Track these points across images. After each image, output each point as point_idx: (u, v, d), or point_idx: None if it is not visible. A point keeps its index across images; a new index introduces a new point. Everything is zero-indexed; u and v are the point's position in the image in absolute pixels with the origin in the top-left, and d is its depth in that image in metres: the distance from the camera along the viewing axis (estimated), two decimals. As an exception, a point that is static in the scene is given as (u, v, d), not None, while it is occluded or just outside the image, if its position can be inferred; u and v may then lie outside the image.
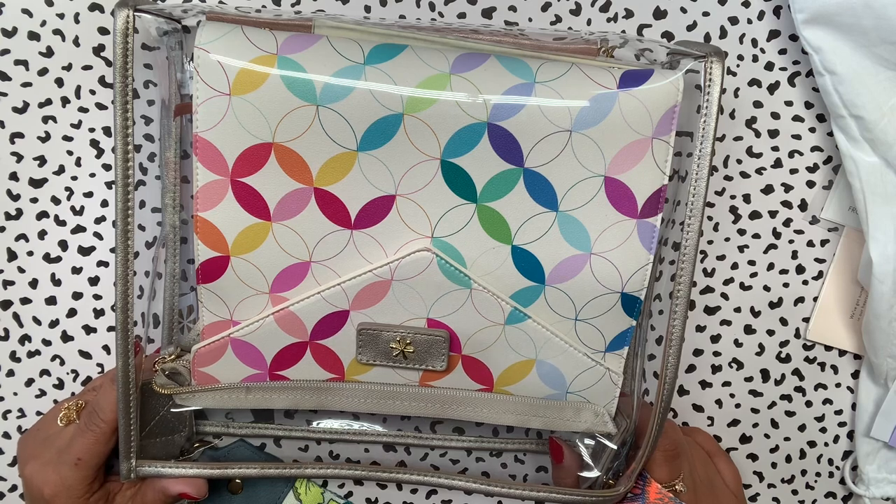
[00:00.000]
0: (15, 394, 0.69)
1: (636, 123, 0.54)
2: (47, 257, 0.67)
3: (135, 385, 0.60)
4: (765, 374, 0.72)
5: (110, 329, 0.69)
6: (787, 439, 0.73)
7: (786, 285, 0.70)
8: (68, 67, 0.64)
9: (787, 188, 0.68)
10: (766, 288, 0.70)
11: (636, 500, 0.63)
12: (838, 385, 0.72)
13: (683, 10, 0.65)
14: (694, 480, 0.65)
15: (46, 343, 0.69)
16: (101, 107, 0.65)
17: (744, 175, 0.68)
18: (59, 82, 0.65)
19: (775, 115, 0.67)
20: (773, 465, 0.74)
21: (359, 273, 0.58)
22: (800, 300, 0.70)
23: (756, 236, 0.69)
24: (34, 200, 0.66)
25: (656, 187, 0.56)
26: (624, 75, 0.54)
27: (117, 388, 0.59)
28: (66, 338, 0.69)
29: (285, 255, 0.58)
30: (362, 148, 0.55)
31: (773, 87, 0.66)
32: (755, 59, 0.66)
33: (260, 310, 0.60)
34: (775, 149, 0.67)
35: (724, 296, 0.70)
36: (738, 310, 0.70)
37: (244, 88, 0.53)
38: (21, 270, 0.67)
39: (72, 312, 0.68)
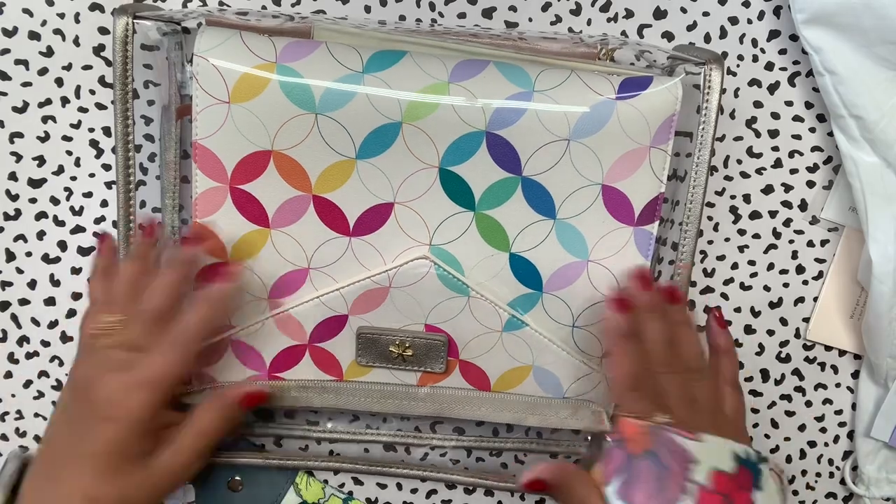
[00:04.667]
0: (13, 395, 0.69)
1: (634, 132, 0.54)
2: (46, 258, 0.67)
3: None
4: (765, 374, 0.72)
5: (111, 329, 0.69)
6: (787, 439, 0.73)
7: (786, 285, 0.70)
8: (68, 67, 0.64)
9: (787, 188, 0.68)
10: (766, 288, 0.70)
11: (619, 445, 0.53)
12: (838, 385, 0.72)
13: (683, 10, 0.65)
14: (688, 406, 0.56)
15: (45, 344, 0.68)
16: (100, 107, 0.65)
17: (744, 175, 0.67)
18: (59, 82, 0.64)
19: (775, 115, 0.66)
20: (773, 464, 0.74)
21: (357, 280, 0.58)
22: (800, 300, 0.70)
23: (756, 236, 0.69)
24: (33, 201, 0.66)
25: (653, 195, 0.56)
26: (623, 83, 0.54)
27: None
28: (65, 339, 0.68)
29: (284, 262, 0.58)
30: (361, 156, 0.55)
31: (773, 87, 0.66)
32: (755, 59, 0.66)
33: (258, 315, 0.60)
34: (775, 149, 0.67)
35: (724, 296, 0.70)
36: (738, 310, 0.70)
37: (243, 96, 0.53)
38: (20, 271, 0.67)
39: (71, 313, 0.68)
